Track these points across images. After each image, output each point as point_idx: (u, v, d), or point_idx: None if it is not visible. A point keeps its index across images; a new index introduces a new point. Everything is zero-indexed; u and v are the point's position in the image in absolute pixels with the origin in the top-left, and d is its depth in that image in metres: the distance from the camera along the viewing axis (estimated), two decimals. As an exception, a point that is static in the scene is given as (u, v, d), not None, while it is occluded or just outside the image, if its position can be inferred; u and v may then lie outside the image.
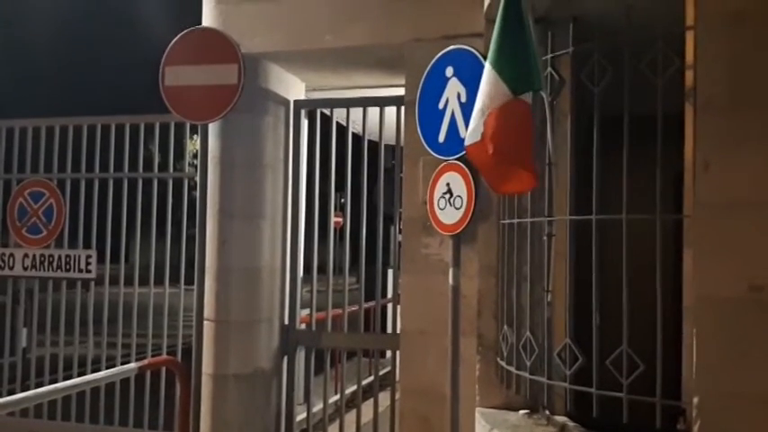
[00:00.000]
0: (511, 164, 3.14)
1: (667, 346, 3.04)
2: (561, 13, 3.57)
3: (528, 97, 3.09)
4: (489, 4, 3.82)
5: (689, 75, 3.01)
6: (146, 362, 4.51)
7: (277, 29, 4.75)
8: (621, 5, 3.09)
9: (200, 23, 4.97)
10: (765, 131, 2.69)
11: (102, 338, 5.54)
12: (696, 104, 2.87)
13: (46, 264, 5.54)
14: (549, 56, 3.54)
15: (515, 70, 3.09)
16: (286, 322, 5.11)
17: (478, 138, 3.14)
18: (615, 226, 3.15)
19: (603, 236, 3.24)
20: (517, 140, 3.08)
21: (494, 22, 3.24)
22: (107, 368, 4.93)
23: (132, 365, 4.28)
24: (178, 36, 4.72)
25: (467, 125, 3.96)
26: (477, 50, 3.97)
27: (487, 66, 3.18)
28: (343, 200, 5.12)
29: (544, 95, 3.36)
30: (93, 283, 5.63)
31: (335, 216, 5.60)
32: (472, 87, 3.96)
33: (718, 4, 2.79)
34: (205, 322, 4.77)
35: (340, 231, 5.24)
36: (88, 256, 5.47)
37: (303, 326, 5.27)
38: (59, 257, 5.52)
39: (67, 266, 5.50)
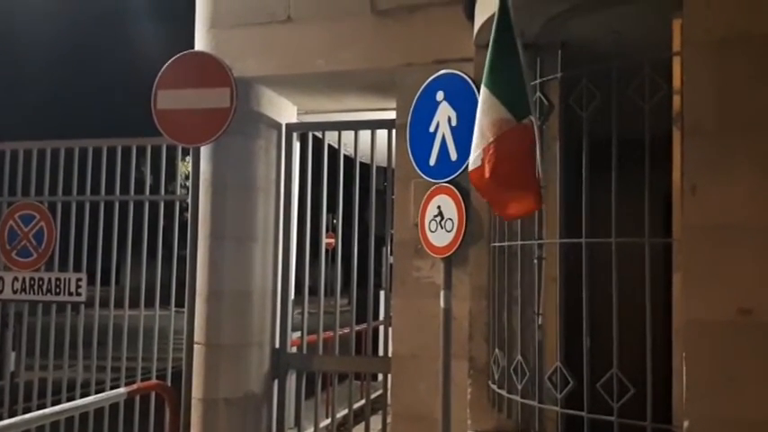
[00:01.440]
0: (514, 187, 3.15)
1: (658, 369, 3.04)
2: (550, 38, 3.62)
3: (529, 120, 3.12)
4: (479, 31, 3.87)
5: (676, 99, 3.06)
6: (135, 386, 4.47)
7: (269, 53, 4.78)
8: (609, 32, 3.14)
9: (193, 47, 5.00)
10: (752, 156, 2.73)
11: (91, 362, 5.49)
12: (683, 129, 2.92)
13: (36, 287, 5.50)
14: (539, 81, 3.58)
15: (515, 95, 3.12)
16: (277, 345, 5.09)
17: (479, 163, 3.18)
18: (605, 249, 3.17)
19: (594, 259, 3.25)
20: (520, 164, 3.09)
21: (483, 47, 3.28)
22: (96, 392, 4.89)
23: (121, 390, 4.25)
24: (171, 60, 4.74)
25: (457, 148, 4.02)
26: (468, 75, 4.02)
27: (485, 91, 3.20)
28: (335, 221, 5.12)
29: (533, 120, 3.39)
30: (83, 306, 5.59)
31: (328, 237, 5.61)
32: (462, 111, 4.02)
33: (704, 31, 2.84)
34: (195, 346, 4.74)
35: (332, 253, 5.24)
36: (78, 279, 5.44)
37: (294, 349, 5.25)
38: (49, 280, 5.48)
39: (57, 290, 5.46)
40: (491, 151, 3.12)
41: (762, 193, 2.71)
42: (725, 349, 2.72)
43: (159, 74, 4.74)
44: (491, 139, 3.12)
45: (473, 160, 3.21)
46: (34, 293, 5.53)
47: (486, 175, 3.15)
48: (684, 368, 2.80)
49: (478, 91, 3.77)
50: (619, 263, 3.15)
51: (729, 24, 2.78)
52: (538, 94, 3.57)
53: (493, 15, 3.31)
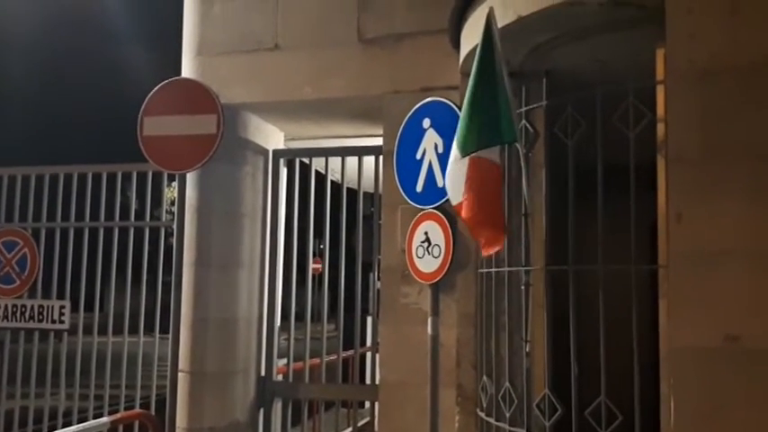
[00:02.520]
0: (483, 225, 3.22)
1: (646, 396, 3.04)
2: (535, 67, 3.66)
3: (491, 154, 3.17)
4: (465, 59, 3.91)
5: (660, 127, 3.09)
6: (118, 415, 4.41)
7: (256, 80, 4.80)
8: (593, 60, 3.18)
9: (180, 74, 5.01)
10: (736, 184, 2.76)
11: (74, 390, 5.41)
12: (668, 157, 2.94)
13: (18, 314, 5.43)
14: (524, 109, 3.61)
15: (476, 128, 3.17)
16: (262, 373, 5.04)
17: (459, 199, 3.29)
18: (593, 275, 3.18)
19: (582, 285, 3.26)
20: (484, 200, 3.17)
21: (469, 75, 3.31)
22: (79, 421, 4.81)
23: (104, 419, 4.19)
24: (157, 86, 4.75)
25: (444, 175, 4.03)
26: (454, 103, 4.05)
27: None
28: (322, 246, 5.11)
29: (519, 147, 3.42)
30: (66, 334, 5.52)
31: (314, 262, 5.59)
32: (449, 138, 4.03)
33: (687, 60, 2.88)
34: (180, 374, 4.68)
35: (319, 278, 5.22)
36: (62, 307, 5.38)
37: (280, 377, 5.19)
38: (32, 308, 5.42)
39: (40, 317, 5.40)
40: (465, 188, 3.22)
41: (746, 220, 2.73)
42: (712, 376, 2.72)
43: (146, 100, 4.74)
44: (456, 176, 3.26)
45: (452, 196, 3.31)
46: (17, 321, 5.46)
47: (459, 212, 3.28)
48: (672, 395, 2.79)
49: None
50: (606, 289, 3.15)
51: (712, 55, 2.82)
52: (523, 121, 3.59)
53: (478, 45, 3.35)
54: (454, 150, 3.28)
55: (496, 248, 3.36)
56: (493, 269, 3.72)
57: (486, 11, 3.31)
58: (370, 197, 5.18)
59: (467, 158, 3.23)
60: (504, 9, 3.38)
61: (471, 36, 3.74)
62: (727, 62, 2.80)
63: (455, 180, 3.32)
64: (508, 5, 3.39)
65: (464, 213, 3.29)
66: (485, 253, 3.39)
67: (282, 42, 4.77)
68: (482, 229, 3.28)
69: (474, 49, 3.46)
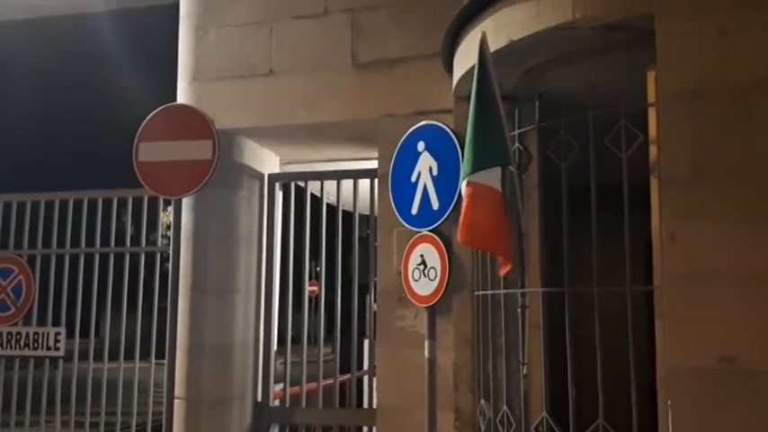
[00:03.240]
0: (488, 250, 3.25)
1: (645, 417, 3.03)
2: (527, 90, 3.69)
3: (491, 181, 3.20)
4: (458, 83, 3.94)
5: (653, 149, 3.12)
6: (114, 443, 4.37)
7: (252, 105, 4.82)
8: (585, 83, 3.21)
9: (176, 100, 5.04)
10: (728, 204, 2.78)
11: (69, 417, 5.36)
12: (660, 178, 2.96)
13: (13, 342, 5.39)
14: (517, 131, 3.64)
15: (476, 152, 3.21)
16: (259, 398, 5.01)
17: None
18: (589, 296, 3.18)
19: (578, 305, 3.26)
20: (487, 227, 3.19)
21: (462, 99, 3.36)
22: (74, 450, 4.77)
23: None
24: (153, 112, 4.77)
25: (439, 197, 4.07)
26: (448, 126, 4.08)
27: None
28: (318, 269, 5.11)
29: (513, 170, 3.44)
30: (61, 361, 5.48)
31: (311, 284, 5.58)
32: (443, 161, 4.08)
33: (677, 83, 2.91)
34: (176, 400, 4.65)
35: (315, 301, 5.21)
36: (57, 334, 5.35)
37: (277, 402, 5.16)
38: (27, 335, 5.38)
39: (35, 344, 5.36)
40: (463, 213, 3.26)
41: (739, 240, 2.74)
42: (709, 397, 2.72)
43: (141, 126, 4.76)
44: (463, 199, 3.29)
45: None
46: (11, 348, 5.42)
47: (459, 236, 3.29)
48: (670, 417, 2.79)
49: (459, 142, 3.85)
50: (602, 310, 3.16)
51: (701, 77, 2.85)
52: (516, 144, 3.62)
53: (472, 68, 3.38)
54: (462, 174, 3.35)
55: (507, 270, 3.37)
56: (489, 291, 3.73)
57: (479, 35, 3.36)
58: (365, 220, 5.19)
59: (465, 182, 3.25)
60: (497, 33, 3.42)
61: (464, 60, 3.78)
62: (716, 84, 2.83)
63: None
64: (500, 30, 3.43)
65: (461, 239, 3.31)
66: (502, 273, 3.41)
67: (277, 68, 4.81)
68: (493, 251, 3.31)
69: (467, 73, 3.50)
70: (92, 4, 6.44)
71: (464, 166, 3.30)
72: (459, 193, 3.43)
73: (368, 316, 5.16)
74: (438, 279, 4.09)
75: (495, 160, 3.23)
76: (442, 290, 4.06)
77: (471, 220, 3.22)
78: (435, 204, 4.13)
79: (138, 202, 5.28)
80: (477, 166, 3.22)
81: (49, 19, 7.06)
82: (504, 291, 3.65)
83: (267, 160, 5.28)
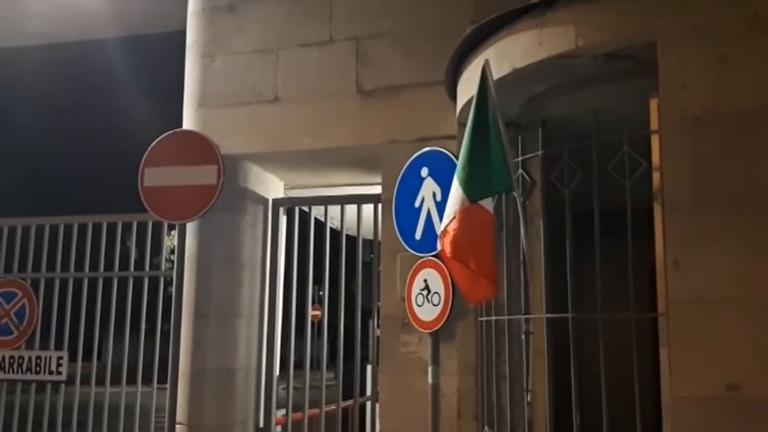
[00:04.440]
0: (474, 271, 3.23)
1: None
2: (531, 116, 3.72)
3: (488, 204, 3.20)
4: (461, 109, 3.97)
5: (656, 176, 3.13)
6: (115, 470, 4.33)
7: (257, 131, 4.86)
8: (588, 110, 3.23)
9: (181, 126, 5.08)
10: (731, 231, 2.78)
11: (70, 442, 5.33)
12: (664, 205, 2.97)
13: (15, 366, 5.38)
14: (521, 158, 3.66)
15: (474, 176, 3.22)
16: (261, 425, 4.97)
17: (440, 245, 3.31)
18: (593, 322, 3.18)
19: (583, 331, 3.25)
20: (476, 247, 3.18)
21: (465, 125, 3.36)
22: (74, 476, 4.73)
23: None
24: (159, 138, 4.81)
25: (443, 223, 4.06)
26: (451, 152, 4.10)
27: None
28: (321, 293, 5.10)
29: (516, 196, 3.45)
30: (63, 385, 5.47)
31: (314, 309, 5.57)
32: (447, 187, 4.07)
33: (680, 110, 2.93)
34: (177, 426, 4.62)
35: (318, 325, 5.19)
36: (59, 358, 5.34)
37: (279, 428, 5.13)
38: (29, 359, 5.37)
39: (38, 368, 5.35)
40: (448, 230, 3.23)
41: (743, 268, 2.74)
42: (714, 425, 2.70)
43: (147, 152, 4.79)
44: (450, 218, 3.24)
45: (440, 238, 3.31)
46: (14, 372, 5.41)
47: (446, 254, 3.28)
48: (675, 445, 2.77)
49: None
50: (607, 336, 3.15)
51: (703, 105, 2.87)
52: (520, 170, 3.64)
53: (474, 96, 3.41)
54: (455, 194, 3.31)
55: (485, 298, 3.36)
56: (493, 317, 3.72)
57: (482, 63, 3.39)
58: (369, 244, 5.19)
59: (467, 203, 3.24)
60: (500, 61, 3.46)
61: (468, 87, 3.82)
62: (718, 112, 2.85)
63: (446, 220, 3.33)
64: (503, 58, 3.46)
65: (451, 255, 3.27)
66: (471, 301, 3.38)
67: (282, 94, 4.86)
68: (470, 276, 3.27)
69: (470, 100, 3.52)
70: (100, 30, 6.52)
71: (464, 184, 3.26)
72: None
73: (371, 341, 5.15)
74: (442, 304, 4.09)
75: (491, 189, 3.23)
76: (446, 315, 4.05)
77: (459, 237, 3.20)
78: (439, 230, 4.13)
79: (142, 227, 5.30)
80: (474, 194, 3.22)
81: (57, 45, 7.15)
82: (508, 317, 3.64)
83: (271, 185, 5.30)
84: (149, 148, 4.80)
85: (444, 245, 3.26)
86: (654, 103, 3.18)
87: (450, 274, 3.75)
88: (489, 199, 3.24)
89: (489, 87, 3.31)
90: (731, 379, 2.68)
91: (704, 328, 2.76)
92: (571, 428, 3.19)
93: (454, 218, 3.23)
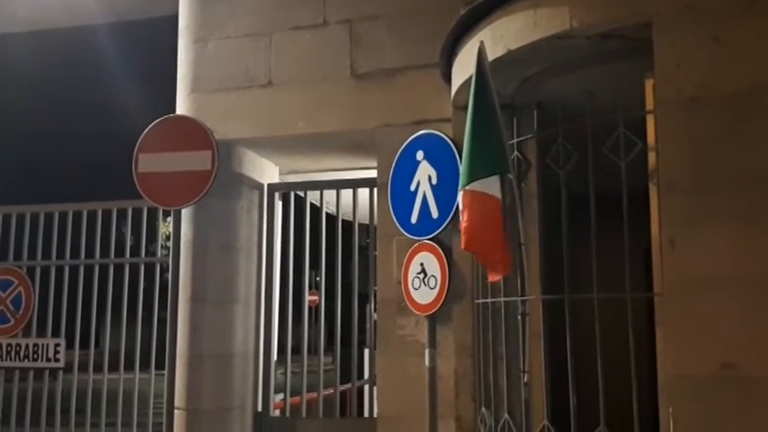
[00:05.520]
0: (485, 256, 3.28)
1: (646, 423, 3.03)
2: (526, 98, 3.71)
3: (494, 189, 3.22)
4: (456, 92, 3.96)
5: (652, 156, 3.13)
6: (114, 455, 4.35)
7: (251, 116, 4.84)
8: (583, 91, 3.23)
9: (175, 111, 5.05)
10: (727, 211, 2.79)
11: (69, 429, 5.34)
12: (660, 185, 2.97)
13: (13, 353, 5.38)
14: (516, 140, 3.65)
15: (478, 159, 3.24)
16: (259, 409, 5.00)
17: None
18: (589, 302, 3.19)
19: (579, 313, 3.27)
20: (485, 233, 3.22)
21: (460, 108, 3.38)
22: (74, 462, 4.76)
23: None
24: (152, 123, 4.78)
25: (438, 206, 4.09)
26: (447, 135, 4.09)
27: None
28: (318, 278, 5.11)
29: (512, 178, 3.45)
30: (61, 372, 5.48)
31: (311, 294, 5.57)
32: (442, 170, 4.10)
33: (675, 90, 2.92)
34: (176, 411, 4.64)
35: (315, 310, 5.20)
36: (57, 345, 5.34)
37: (277, 412, 5.15)
38: (27, 346, 5.38)
39: (35, 356, 5.35)
40: (462, 220, 3.31)
41: (738, 247, 2.75)
42: (710, 404, 2.72)
43: (140, 137, 4.77)
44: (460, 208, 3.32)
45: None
46: (11, 360, 5.41)
47: (462, 242, 3.33)
48: (672, 424, 2.79)
49: (457, 151, 3.87)
50: (603, 317, 3.16)
51: (698, 84, 2.87)
52: (515, 152, 3.63)
53: (470, 78, 3.40)
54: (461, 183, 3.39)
55: (501, 275, 3.40)
56: (489, 299, 3.73)
57: (477, 45, 3.38)
58: (365, 229, 5.20)
59: (463, 190, 3.29)
60: (494, 43, 3.44)
61: (462, 69, 3.80)
62: (713, 91, 2.85)
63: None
64: (498, 39, 3.44)
65: (463, 245, 3.35)
66: (491, 279, 3.42)
67: (276, 78, 4.83)
68: (487, 257, 3.32)
69: (465, 82, 3.52)
70: (91, 16, 6.46)
71: (462, 175, 3.33)
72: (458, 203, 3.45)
73: (368, 325, 5.17)
74: (438, 287, 4.10)
75: (493, 169, 3.26)
76: (443, 298, 4.06)
77: (472, 227, 3.25)
78: (435, 213, 4.14)
79: (137, 213, 5.29)
80: (475, 175, 3.25)
81: (48, 32, 7.08)
82: (505, 299, 3.66)
83: (266, 170, 5.29)
84: (143, 134, 4.77)
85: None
86: (649, 84, 3.17)
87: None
88: (496, 183, 3.25)
89: (486, 69, 3.30)
90: (727, 357, 2.69)
91: (700, 308, 2.77)
92: (568, 408, 3.21)
93: (464, 209, 3.27)
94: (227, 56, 4.96)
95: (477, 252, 3.42)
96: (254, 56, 4.89)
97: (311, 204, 5.21)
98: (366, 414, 5.25)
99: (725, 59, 2.85)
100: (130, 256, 5.53)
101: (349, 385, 6.00)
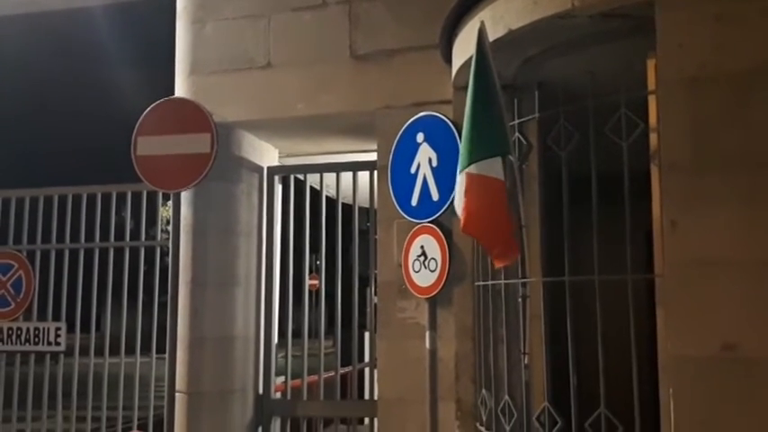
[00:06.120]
0: (488, 240, 3.24)
1: (647, 405, 3.03)
2: (527, 79, 3.68)
3: (497, 171, 3.18)
4: (457, 73, 3.93)
5: (653, 137, 3.11)
6: (116, 437, 4.37)
7: (250, 98, 4.81)
8: (585, 71, 3.20)
9: (173, 93, 5.02)
10: (729, 192, 2.77)
11: (71, 412, 5.37)
12: (661, 166, 2.95)
13: (14, 337, 5.40)
14: (516, 121, 3.63)
15: (479, 141, 3.20)
16: (260, 391, 5.01)
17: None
18: (590, 284, 3.18)
19: (579, 295, 3.26)
20: (489, 217, 3.18)
21: (461, 89, 3.35)
22: (76, 444, 4.78)
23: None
24: (151, 106, 4.75)
25: (439, 188, 4.07)
26: (447, 117, 4.07)
27: None
28: (318, 262, 5.10)
29: (513, 159, 3.43)
30: (62, 355, 5.49)
31: (311, 278, 5.57)
32: (443, 152, 4.08)
33: (677, 70, 2.90)
34: (177, 394, 4.65)
35: (315, 294, 5.20)
36: (57, 329, 5.35)
37: (278, 395, 5.17)
38: (28, 330, 5.39)
39: (36, 339, 5.36)
40: (463, 203, 3.25)
41: (741, 228, 2.73)
42: (711, 385, 2.72)
43: (139, 120, 4.74)
44: (462, 191, 3.25)
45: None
46: (12, 344, 5.43)
47: (461, 226, 3.28)
48: (672, 405, 2.79)
49: (458, 133, 3.84)
50: (604, 298, 3.15)
51: (700, 64, 2.84)
52: (516, 134, 3.61)
53: (470, 58, 3.37)
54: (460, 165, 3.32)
55: (510, 261, 3.35)
56: (490, 282, 3.72)
57: (477, 25, 3.34)
58: (365, 212, 5.18)
59: (464, 173, 3.24)
60: (495, 23, 3.41)
61: (463, 50, 3.77)
62: (716, 70, 2.82)
63: (458, 194, 3.35)
64: (498, 19, 3.41)
65: (463, 226, 3.29)
66: (497, 265, 3.38)
67: (275, 60, 4.80)
68: (492, 242, 3.28)
69: (466, 63, 3.49)
70: (88, -2, 6.41)
71: (462, 157, 3.29)
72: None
73: (368, 308, 5.17)
74: (438, 270, 4.09)
75: (494, 150, 3.22)
76: (443, 281, 4.06)
77: (473, 211, 3.21)
78: (435, 195, 4.12)
79: (137, 197, 5.28)
80: (476, 157, 3.22)
81: (46, 14, 7.03)
82: (505, 281, 3.65)
83: (266, 153, 5.27)
84: (142, 117, 4.74)
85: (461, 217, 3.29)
86: (651, 64, 3.14)
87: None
88: (499, 165, 3.21)
89: (486, 49, 3.27)
90: (727, 339, 2.69)
91: (701, 289, 2.76)
92: (568, 390, 3.21)
93: (465, 192, 3.23)
94: (225, 37, 4.92)
95: (477, 236, 3.36)
96: (253, 37, 4.85)
97: (311, 187, 5.19)
98: (367, 396, 5.27)
99: (727, 39, 2.82)
100: (130, 239, 5.53)
101: (350, 368, 6.02)
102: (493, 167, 3.19)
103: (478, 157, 3.19)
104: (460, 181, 3.30)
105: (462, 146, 3.30)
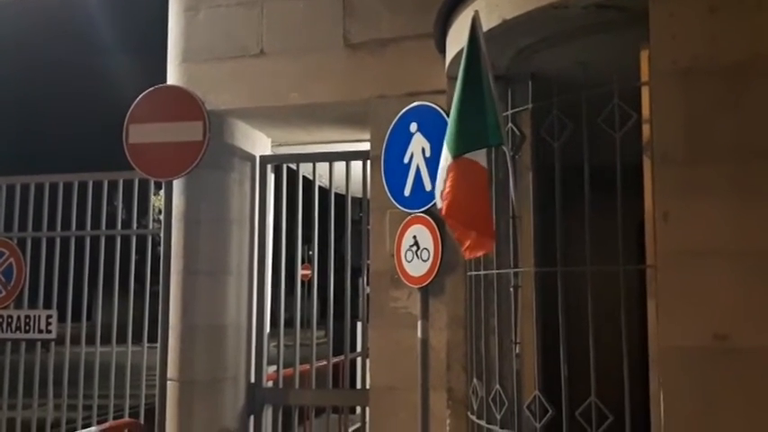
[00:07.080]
0: (467, 227, 3.22)
1: (637, 395, 3.05)
2: (520, 69, 3.68)
3: (481, 158, 3.17)
4: (450, 63, 3.92)
5: (646, 128, 3.11)
6: (107, 425, 4.38)
7: (242, 86, 4.79)
8: (578, 62, 3.20)
9: (165, 81, 4.99)
10: (721, 183, 2.78)
11: (62, 400, 5.36)
12: (654, 157, 2.96)
13: (5, 325, 5.38)
14: (510, 112, 3.62)
15: (466, 131, 3.19)
16: (252, 380, 5.02)
17: (439, 202, 3.28)
18: (582, 275, 3.19)
19: (571, 285, 3.27)
20: (471, 203, 3.17)
21: (455, 79, 3.32)
22: (67, 432, 4.78)
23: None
24: (143, 94, 4.73)
25: (432, 179, 4.07)
26: (441, 107, 4.06)
27: None
28: (310, 252, 5.10)
29: (506, 150, 3.43)
30: (53, 344, 5.48)
31: (303, 268, 5.56)
32: (436, 142, 4.06)
33: (670, 62, 2.90)
34: (169, 382, 4.66)
35: (308, 284, 5.20)
36: (48, 316, 5.34)
37: (270, 383, 5.17)
38: (18, 318, 5.37)
39: (27, 327, 5.35)
40: (445, 189, 3.22)
41: (732, 219, 2.75)
42: (702, 375, 2.74)
43: (131, 108, 4.72)
44: (444, 177, 3.23)
45: (438, 197, 3.30)
46: (3, 331, 5.42)
47: (442, 212, 3.26)
48: (663, 395, 2.81)
49: (451, 122, 3.83)
50: (596, 289, 3.17)
51: (694, 55, 2.84)
52: (509, 124, 3.61)
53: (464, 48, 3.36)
54: (444, 153, 3.29)
55: (482, 252, 3.35)
56: (482, 272, 3.73)
57: (472, 14, 3.33)
58: (358, 202, 5.18)
59: (451, 160, 3.23)
60: (489, 12, 3.40)
61: (457, 40, 3.76)
62: (709, 62, 2.83)
63: (441, 181, 3.32)
64: (493, 9, 3.40)
65: (444, 213, 3.26)
66: (468, 256, 3.37)
67: (268, 48, 4.77)
68: (467, 231, 3.26)
69: (460, 53, 3.48)
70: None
71: (449, 143, 3.25)
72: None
73: (361, 299, 5.18)
74: (431, 260, 4.10)
75: (484, 142, 3.21)
76: (435, 270, 4.06)
77: (456, 195, 3.19)
78: (428, 185, 4.12)
79: (128, 185, 5.26)
80: (466, 148, 3.20)
81: (39, 0, 6.98)
82: (497, 271, 3.66)
83: (258, 142, 5.25)
84: (133, 104, 4.72)
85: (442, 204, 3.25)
86: (644, 55, 3.14)
87: (449, 230, 3.71)
88: (483, 153, 3.21)
89: (479, 39, 3.26)
90: (719, 329, 2.71)
91: (692, 279, 2.78)
92: (559, 379, 3.23)
93: (447, 176, 3.21)
94: (218, 25, 4.89)
95: (456, 222, 3.29)
96: (246, 25, 4.82)
97: (304, 177, 5.18)
98: (359, 386, 5.29)
99: (721, 30, 2.82)
100: (122, 228, 5.51)
101: (342, 358, 6.02)
102: (479, 156, 3.19)
103: (469, 148, 3.18)
104: (443, 167, 3.27)
105: (448, 133, 3.26)
